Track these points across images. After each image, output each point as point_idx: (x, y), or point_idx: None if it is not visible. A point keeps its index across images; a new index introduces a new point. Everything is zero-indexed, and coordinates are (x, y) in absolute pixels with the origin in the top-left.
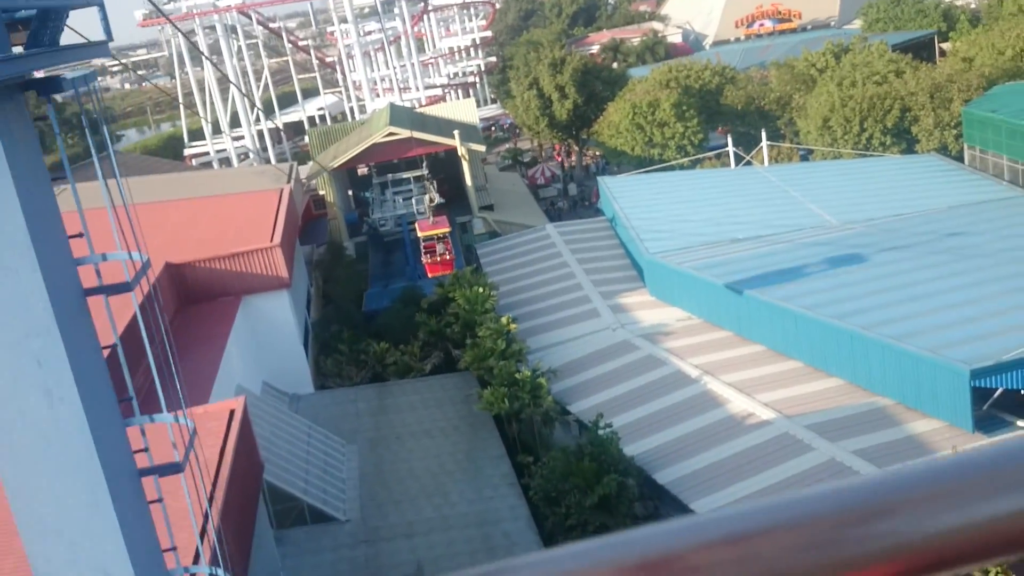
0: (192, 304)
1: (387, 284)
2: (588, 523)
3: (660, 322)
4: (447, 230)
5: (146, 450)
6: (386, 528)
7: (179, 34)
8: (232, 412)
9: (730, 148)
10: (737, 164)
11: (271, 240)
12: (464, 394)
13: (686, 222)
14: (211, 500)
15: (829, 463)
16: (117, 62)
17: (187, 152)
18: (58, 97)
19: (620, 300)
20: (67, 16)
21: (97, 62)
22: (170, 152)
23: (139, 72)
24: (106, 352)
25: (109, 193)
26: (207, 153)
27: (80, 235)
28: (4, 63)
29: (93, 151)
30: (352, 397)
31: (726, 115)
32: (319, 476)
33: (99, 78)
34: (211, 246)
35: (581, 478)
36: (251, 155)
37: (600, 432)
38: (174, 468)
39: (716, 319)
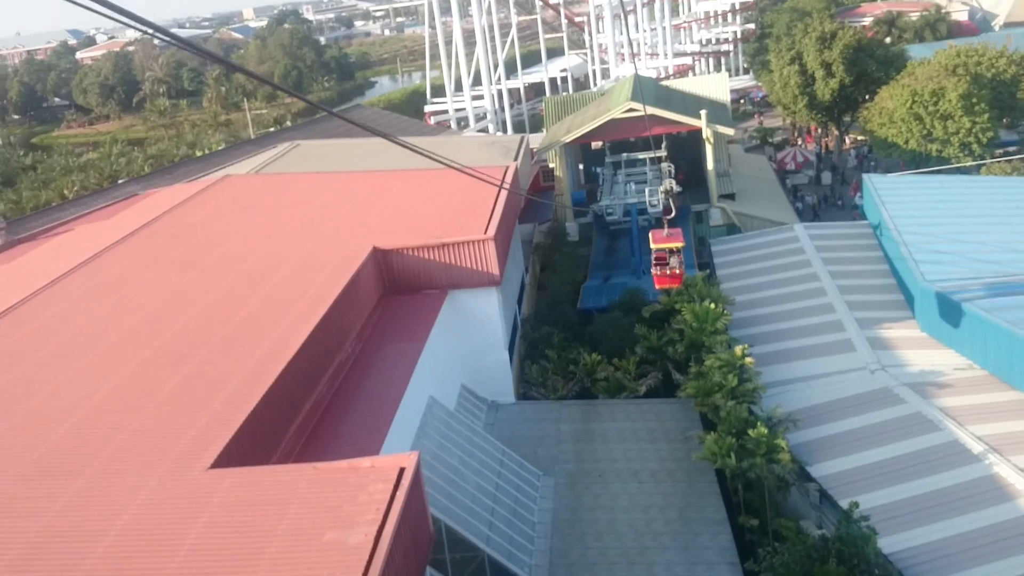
0: (395, 294)
1: (608, 277)
2: None
3: (932, 368)
4: (681, 244)
5: None
6: None
7: None
8: (402, 471)
9: None
10: None
11: (485, 232)
12: (682, 431)
13: (973, 244)
14: None
15: None
16: (380, 7)
17: (427, 109)
18: (321, 39)
19: (881, 333)
20: None
21: (362, 5)
22: (412, 108)
23: (399, 19)
24: None
25: None
26: (446, 111)
27: None
28: None
29: None
30: (555, 415)
31: (1021, 111)
32: (506, 519)
33: (361, 23)
34: (421, 232)
35: None
36: (488, 116)
37: (853, 525)
38: None
39: (1007, 375)
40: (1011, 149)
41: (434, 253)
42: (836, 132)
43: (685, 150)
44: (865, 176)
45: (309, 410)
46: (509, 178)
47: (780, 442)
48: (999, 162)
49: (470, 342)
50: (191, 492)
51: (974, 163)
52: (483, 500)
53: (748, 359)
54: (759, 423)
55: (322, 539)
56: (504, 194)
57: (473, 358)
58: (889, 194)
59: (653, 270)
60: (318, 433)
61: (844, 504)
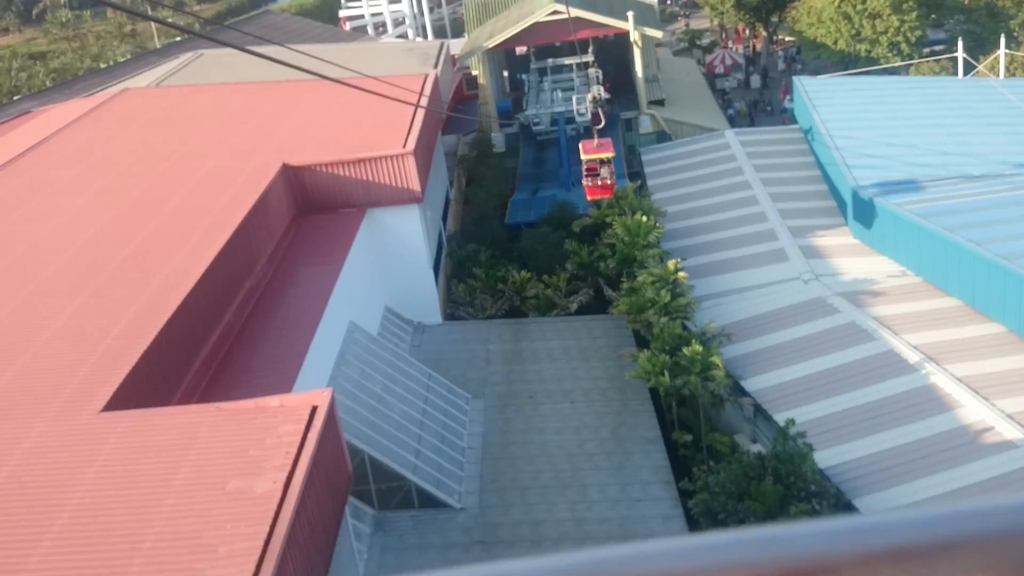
0: (310, 214)
1: (536, 190)
2: None
3: (866, 276)
4: (612, 155)
5: None
6: (507, 527)
7: None
8: (314, 411)
9: (960, 53)
10: (966, 73)
11: (404, 146)
12: (615, 348)
13: (905, 147)
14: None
15: None
16: None
17: (342, 14)
18: None
19: (814, 241)
20: None
21: None
22: (326, 13)
23: None
24: None
25: None
26: (363, 16)
27: None
28: None
29: None
30: (484, 335)
31: (949, 9)
32: (434, 446)
33: None
34: (336, 146)
35: (761, 502)
36: (407, 21)
37: (789, 442)
38: None
39: (942, 282)
40: (939, 48)
41: (350, 169)
42: (764, 33)
43: (613, 55)
44: (795, 78)
45: (215, 343)
46: (428, 87)
47: (715, 359)
48: (927, 62)
49: (392, 262)
50: (80, 438)
51: (903, 63)
52: (409, 428)
53: (681, 273)
54: (694, 340)
55: (225, 488)
56: (424, 104)
57: (396, 279)
58: (820, 97)
59: (584, 181)
60: (226, 367)
61: (779, 419)
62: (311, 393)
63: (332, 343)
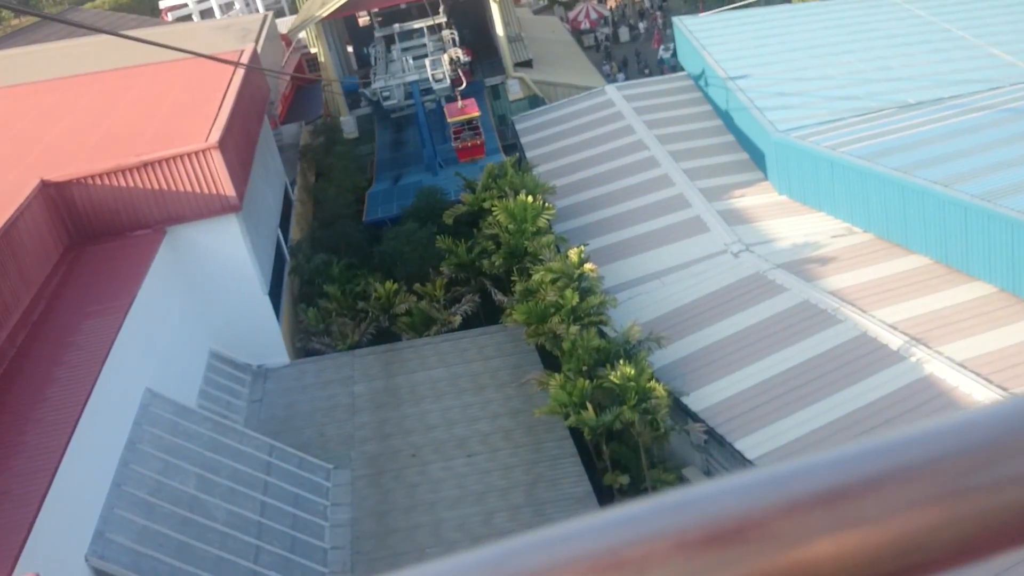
0: (89, 243)
1: (397, 178)
2: None
3: (806, 240)
4: (477, 115)
5: None
6: None
7: None
8: None
9: None
10: None
11: (206, 138)
12: (515, 370)
13: (820, 81)
14: None
15: None
16: None
17: (163, 5)
18: None
19: (734, 203)
20: None
21: None
22: (148, 7)
23: None
24: None
25: None
26: (186, 5)
27: None
28: None
29: None
30: (346, 372)
31: None
32: (280, 560)
33: None
34: (117, 149)
35: None
36: (237, 5)
37: None
38: None
39: (901, 237)
40: None
41: (136, 178)
42: None
43: (469, 18)
44: (676, 19)
45: None
46: (241, 70)
47: (653, 384)
48: None
49: (212, 292)
50: None
51: None
52: (240, 539)
53: (588, 265)
54: (621, 361)
55: None
56: (237, 87)
57: (221, 313)
58: (708, 37)
59: (453, 143)
60: None
61: (741, 447)
62: None
63: (114, 430)
